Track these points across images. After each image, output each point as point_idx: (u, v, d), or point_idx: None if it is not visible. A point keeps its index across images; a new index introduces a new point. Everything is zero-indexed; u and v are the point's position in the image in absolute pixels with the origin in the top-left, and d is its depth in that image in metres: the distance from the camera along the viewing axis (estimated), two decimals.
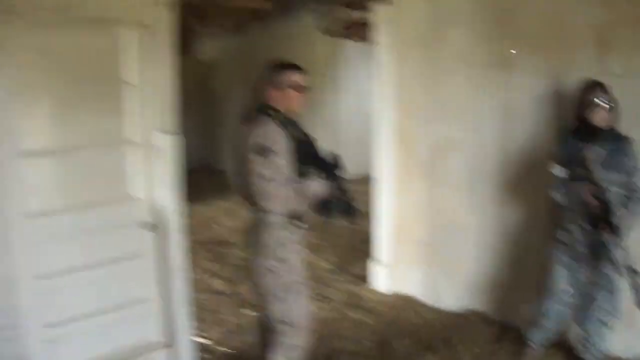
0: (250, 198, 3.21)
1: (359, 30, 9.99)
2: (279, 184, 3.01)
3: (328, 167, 3.26)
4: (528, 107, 4.44)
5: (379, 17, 5.25)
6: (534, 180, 4.43)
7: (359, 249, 6.36)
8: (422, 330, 4.74)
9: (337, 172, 3.26)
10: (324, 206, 3.25)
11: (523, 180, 4.52)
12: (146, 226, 3.68)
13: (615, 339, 3.88)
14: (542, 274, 4.16)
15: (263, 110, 3.17)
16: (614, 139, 3.61)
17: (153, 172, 3.69)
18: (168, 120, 3.67)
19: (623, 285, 3.62)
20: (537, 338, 4.10)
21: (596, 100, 3.61)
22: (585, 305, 3.82)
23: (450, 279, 5.06)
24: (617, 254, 3.55)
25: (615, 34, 4.00)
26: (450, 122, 4.92)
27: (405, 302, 5.29)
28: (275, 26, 10.01)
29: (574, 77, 4.08)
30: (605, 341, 3.81)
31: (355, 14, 8.25)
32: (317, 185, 3.19)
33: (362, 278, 5.75)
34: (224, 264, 6.25)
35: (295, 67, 3.27)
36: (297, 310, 3.27)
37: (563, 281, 3.88)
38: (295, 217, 3.20)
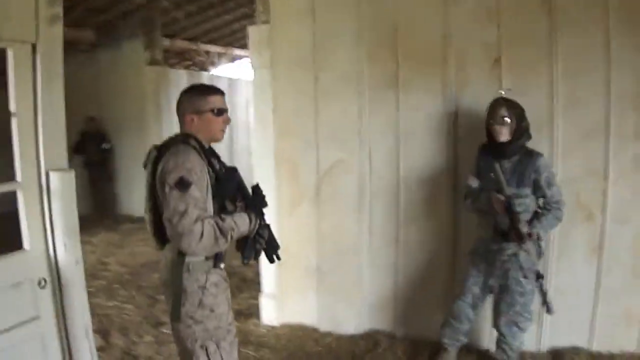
0: (163, 237, 2.83)
1: (185, 59, 9.82)
2: (198, 220, 2.63)
3: (252, 202, 2.97)
4: (421, 125, 4.49)
5: (255, 38, 4.95)
6: (431, 195, 4.51)
7: (249, 281, 6.09)
8: (325, 357, 4.51)
9: (262, 207, 2.99)
10: (248, 245, 2.91)
11: (418, 197, 4.57)
12: (41, 282, 3.17)
13: (525, 335, 4.02)
14: (448, 285, 4.39)
15: (181, 138, 2.85)
16: (522, 153, 3.76)
17: (46, 218, 3.19)
18: (60, 155, 3.23)
19: (532, 289, 3.81)
20: (450, 340, 4.17)
21: (495, 118, 3.75)
22: (498, 309, 3.94)
23: (348, 302, 4.90)
24: (524, 261, 3.75)
25: (507, 52, 4.22)
26: (339, 143, 4.79)
27: (301, 332, 5.01)
28: (100, 57, 9.48)
29: (467, 94, 4.28)
30: (519, 342, 3.95)
31: (180, 43, 8.12)
32: (240, 222, 2.84)
33: (249, 313, 5.38)
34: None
35: (214, 90, 2.95)
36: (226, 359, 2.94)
37: (474, 285, 4.00)
38: (216, 258, 2.88)
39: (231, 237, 2.77)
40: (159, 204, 2.75)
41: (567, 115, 4.16)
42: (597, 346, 4.27)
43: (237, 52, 13.99)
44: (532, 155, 3.76)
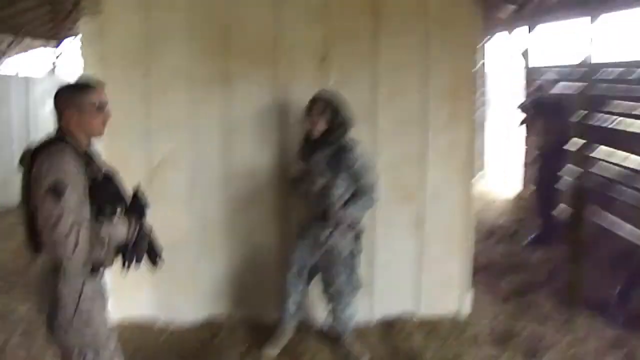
0: (38, 243, 2.69)
1: None
2: (74, 226, 2.53)
3: (131, 206, 2.90)
4: (252, 119, 4.71)
5: (84, 30, 4.83)
6: (260, 186, 4.75)
7: None
8: (166, 354, 4.51)
9: (143, 212, 2.93)
10: (129, 250, 2.83)
11: (249, 187, 4.78)
12: None
13: (358, 307, 4.42)
14: (279, 266, 4.61)
15: (57, 138, 2.74)
16: (339, 143, 4.09)
17: None
18: None
19: (352, 264, 4.21)
20: (286, 316, 4.44)
21: (309, 113, 4.11)
22: (324, 285, 4.29)
23: (185, 293, 4.92)
24: (338, 240, 4.11)
25: (332, 48, 4.61)
26: (170, 138, 4.76)
27: (140, 327, 4.84)
28: None
29: (296, 89, 4.57)
30: (348, 314, 4.31)
31: None
32: (119, 228, 2.77)
33: None
34: None
35: (94, 84, 2.87)
36: None
37: (299, 257, 4.32)
38: (93, 265, 2.77)
39: (109, 243, 2.69)
40: (34, 208, 2.60)
41: (388, 106, 4.64)
42: (424, 310, 4.83)
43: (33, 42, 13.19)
44: (348, 144, 4.08)
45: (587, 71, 7.08)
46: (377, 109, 4.65)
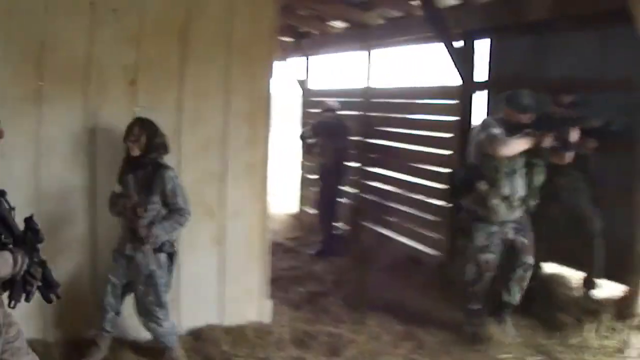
0: None
1: None
2: None
3: (20, 238, 2.73)
4: (62, 140, 4.71)
5: None
6: (71, 206, 4.77)
7: None
8: None
9: (35, 243, 2.78)
10: (16, 286, 2.66)
11: (60, 208, 4.75)
12: None
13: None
14: (92, 284, 4.76)
15: None
16: (153, 165, 4.32)
17: None
18: None
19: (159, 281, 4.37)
20: (99, 331, 4.49)
21: (127, 136, 4.28)
22: (136, 301, 4.43)
23: None
24: (141, 259, 4.29)
25: (141, 73, 4.80)
26: None
27: None
28: None
29: (107, 111, 4.71)
30: (165, 328, 4.44)
31: None
32: (1, 261, 2.56)
33: None
34: None
35: None
36: None
37: (114, 276, 4.42)
38: None
39: None
40: None
41: (192, 129, 4.90)
42: (228, 321, 5.08)
43: None
44: (160, 167, 4.31)
45: (364, 97, 7.90)
46: (182, 132, 4.88)
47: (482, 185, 4.85)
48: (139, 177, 4.29)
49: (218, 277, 5.12)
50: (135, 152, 4.26)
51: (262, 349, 4.75)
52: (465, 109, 6.57)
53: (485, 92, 6.70)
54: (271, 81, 5.21)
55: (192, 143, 4.93)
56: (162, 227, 4.27)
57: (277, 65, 11.24)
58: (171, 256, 4.42)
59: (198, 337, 4.91)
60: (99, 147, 4.71)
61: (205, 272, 5.08)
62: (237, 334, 4.97)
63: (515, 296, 5.01)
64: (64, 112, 4.68)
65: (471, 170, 5.01)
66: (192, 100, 4.91)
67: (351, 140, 7.98)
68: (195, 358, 4.61)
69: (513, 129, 4.77)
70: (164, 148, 4.35)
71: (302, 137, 8.41)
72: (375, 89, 8.42)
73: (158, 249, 4.31)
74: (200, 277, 5.05)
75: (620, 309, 5.01)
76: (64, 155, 4.71)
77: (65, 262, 4.77)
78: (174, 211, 4.32)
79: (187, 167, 4.89)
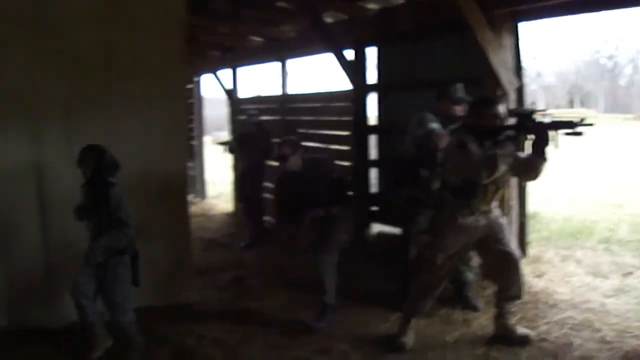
0: None
1: None
2: None
3: None
4: (11, 170, 5.49)
5: None
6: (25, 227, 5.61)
7: None
8: None
9: None
10: None
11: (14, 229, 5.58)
12: None
13: None
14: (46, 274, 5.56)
15: None
16: (100, 184, 4.95)
17: None
18: None
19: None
20: (92, 327, 5.04)
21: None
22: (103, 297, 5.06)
23: None
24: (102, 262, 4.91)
25: (75, 106, 5.63)
26: None
27: None
28: None
29: (47, 140, 5.52)
30: (127, 318, 5.01)
31: None
32: None
33: None
34: None
35: None
36: None
37: (82, 278, 4.95)
38: None
39: None
40: None
41: (115, 147, 5.27)
42: (162, 302, 5.88)
43: None
44: (107, 185, 4.90)
45: (283, 102, 8.86)
46: (112, 148, 5.21)
47: (424, 173, 5.32)
48: (90, 193, 4.92)
49: (152, 267, 5.65)
50: (87, 174, 4.94)
51: (186, 323, 5.55)
52: (358, 110, 7.60)
53: (376, 94, 7.76)
54: (187, 96, 6.03)
55: (120, 157, 5.38)
56: (106, 238, 4.84)
57: (207, 78, 12.27)
58: (134, 257, 4.99)
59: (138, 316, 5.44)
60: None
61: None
62: (166, 312, 5.75)
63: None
64: (10, 142, 5.45)
65: (413, 161, 5.51)
66: (117, 123, 5.70)
67: (271, 142, 8.89)
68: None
69: (447, 121, 5.18)
70: (114, 167, 4.99)
71: (229, 149, 9.39)
72: (289, 95, 9.46)
73: (119, 252, 4.91)
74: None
75: None
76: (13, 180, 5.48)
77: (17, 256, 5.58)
78: (117, 223, 4.90)
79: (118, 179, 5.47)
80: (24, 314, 5.56)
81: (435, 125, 5.28)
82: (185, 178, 6.14)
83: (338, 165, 7.07)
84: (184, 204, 6.17)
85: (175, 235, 6.06)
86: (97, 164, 4.96)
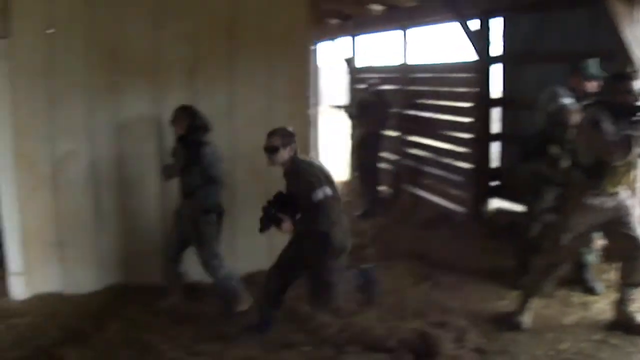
0: None
1: None
2: None
3: None
4: (136, 122, 5.80)
5: None
6: (141, 175, 5.88)
7: None
8: (72, 313, 5.35)
9: None
10: None
11: (135, 175, 5.88)
12: None
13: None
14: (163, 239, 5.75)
15: None
16: (192, 143, 5.19)
17: None
18: None
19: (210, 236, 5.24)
20: (174, 280, 5.46)
21: (170, 120, 5.27)
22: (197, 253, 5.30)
23: (88, 266, 5.84)
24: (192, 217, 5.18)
25: (199, 64, 5.83)
26: (69, 138, 5.68)
27: (50, 299, 5.69)
28: None
29: (170, 98, 5.68)
30: (222, 273, 5.26)
31: None
32: None
33: None
34: None
35: None
36: None
37: (177, 236, 5.34)
38: None
39: None
40: None
41: (242, 109, 5.91)
42: None
43: None
44: (200, 144, 5.16)
45: (402, 72, 8.75)
46: (233, 111, 5.87)
47: (554, 150, 5.20)
48: (184, 151, 5.15)
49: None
50: (178, 132, 5.19)
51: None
52: (481, 82, 7.36)
53: (501, 65, 7.53)
54: (310, 63, 6.08)
55: (242, 120, 5.89)
56: (202, 192, 5.11)
57: (326, 45, 12.26)
58: (220, 215, 5.24)
59: (251, 279, 5.77)
60: (165, 127, 5.64)
61: (255, 224, 6.00)
62: None
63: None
64: (136, 99, 5.77)
65: (542, 137, 5.34)
66: (240, 85, 5.88)
67: (390, 112, 8.86)
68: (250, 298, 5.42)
69: (580, 98, 5.01)
70: (203, 128, 5.20)
71: (348, 114, 9.37)
72: (410, 65, 9.29)
73: (207, 210, 5.15)
74: (252, 229, 5.98)
75: None
76: (138, 134, 5.77)
77: (142, 218, 5.92)
78: (212, 179, 5.13)
79: (238, 140, 5.87)
80: (142, 272, 5.84)
81: (567, 101, 5.07)
82: (307, 144, 6.14)
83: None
84: None
85: None
86: (190, 124, 5.16)
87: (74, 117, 5.70)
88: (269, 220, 4.75)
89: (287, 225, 4.68)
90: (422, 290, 5.63)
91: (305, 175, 4.64)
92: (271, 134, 4.76)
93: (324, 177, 4.69)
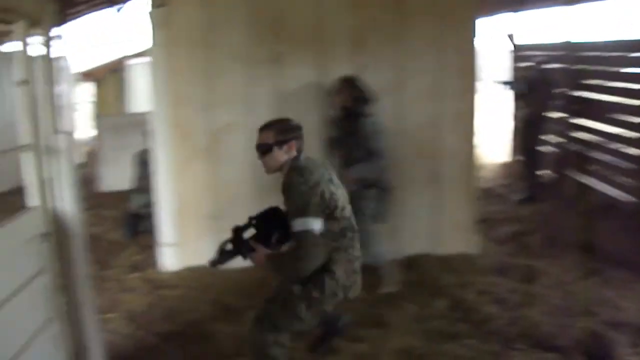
0: None
1: None
2: None
3: None
4: (297, 93, 5.82)
5: (154, 20, 5.70)
6: (308, 150, 5.77)
7: (115, 244, 6.89)
8: (222, 285, 5.50)
9: None
10: None
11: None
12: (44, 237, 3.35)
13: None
14: None
15: None
16: (353, 115, 5.17)
17: (49, 177, 3.41)
18: (60, 119, 3.46)
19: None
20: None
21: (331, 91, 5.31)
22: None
23: None
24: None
25: (364, 35, 5.78)
26: (228, 109, 5.86)
27: (201, 272, 5.73)
28: None
29: (333, 69, 5.68)
30: (377, 249, 5.19)
31: None
32: None
33: (142, 266, 6.18)
34: None
35: None
36: None
37: None
38: None
39: None
40: None
41: (411, 82, 5.85)
42: (439, 250, 6.02)
43: None
44: (364, 114, 5.10)
45: (568, 50, 8.25)
46: (402, 84, 5.81)
47: None
48: (346, 122, 5.18)
49: (432, 211, 6.00)
50: (340, 103, 5.21)
51: (466, 275, 5.54)
52: None
53: None
54: (476, 38, 5.90)
55: (411, 94, 5.84)
56: (363, 165, 5.03)
57: (486, 21, 11.84)
58: (382, 191, 5.16)
59: (412, 262, 5.81)
60: (328, 98, 5.68)
61: (420, 206, 5.99)
62: (445, 261, 5.83)
63: None
64: (298, 69, 5.82)
65: None
66: (409, 58, 5.82)
67: (556, 92, 8.42)
68: (410, 277, 5.47)
69: None
70: (363, 100, 5.13)
71: (515, 90, 8.99)
72: (577, 43, 8.73)
73: (368, 186, 5.07)
74: (416, 211, 5.98)
75: None
76: (299, 105, 5.72)
77: None
78: (373, 151, 5.05)
79: (407, 114, 5.83)
80: None
81: None
82: (472, 120, 6.02)
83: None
84: (471, 148, 6.06)
85: (461, 179, 6.04)
86: (352, 95, 5.14)
87: (234, 88, 5.82)
88: (235, 248, 3.64)
89: (259, 257, 3.51)
90: (591, 285, 5.34)
91: (294, 192, 3.31)
92: (264, 128, 3.54)
93: (322, 201, 3.31)
